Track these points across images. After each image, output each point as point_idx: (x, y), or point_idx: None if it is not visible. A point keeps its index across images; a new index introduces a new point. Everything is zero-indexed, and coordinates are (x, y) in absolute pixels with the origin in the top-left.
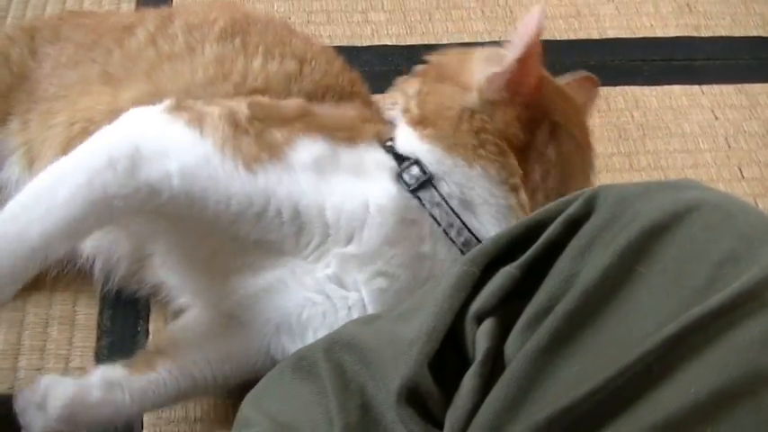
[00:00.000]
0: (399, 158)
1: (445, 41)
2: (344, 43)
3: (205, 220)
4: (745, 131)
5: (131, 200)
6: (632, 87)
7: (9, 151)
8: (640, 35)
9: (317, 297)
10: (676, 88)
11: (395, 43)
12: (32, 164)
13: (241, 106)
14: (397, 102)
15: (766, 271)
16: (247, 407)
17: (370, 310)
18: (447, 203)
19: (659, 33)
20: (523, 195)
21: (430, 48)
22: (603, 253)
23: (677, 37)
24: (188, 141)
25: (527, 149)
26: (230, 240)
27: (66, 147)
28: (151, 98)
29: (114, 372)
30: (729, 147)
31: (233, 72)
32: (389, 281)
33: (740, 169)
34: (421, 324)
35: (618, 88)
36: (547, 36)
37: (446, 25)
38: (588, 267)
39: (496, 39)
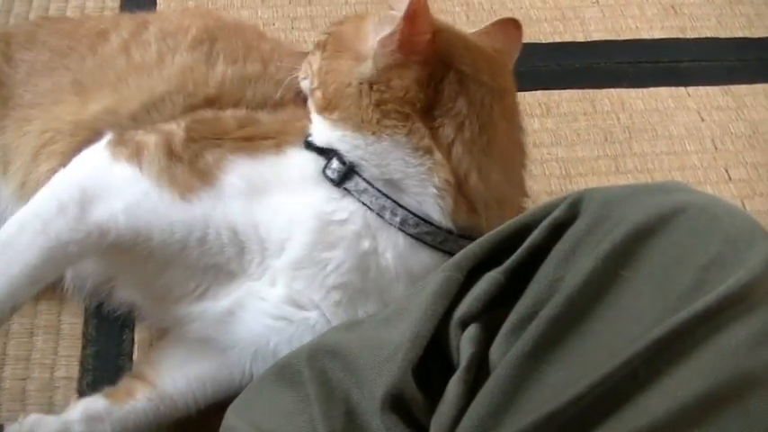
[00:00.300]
0: (322, 152)
1: None
2: None
3: (155, 251)
4: (731, 133)
5: (84, 244)
6: (618, 90)
7: None
8: (626, 37)
9: (278, 323)
10: (662, 90)
11: None
12: (7, 169)
13: (179, 129)
14: (307, 75)
15: (752, 274)
16: (232, 415)
17: (335, 323)
18: (373, 186)
19: (644, 35)
20: (438, 154)
21: None
22: (588, 257)
23: (663, 39)
24: (128, 179)
25: (434, 107)
26: (183, 268)
27: (36, 154)
28: (111, 115)
29: (95, 404)
30: (716, 148)
31: (189, 82)
32: (342, 291)
33: (727, 171)
34: (405, 330)
35: (604, 91)
36: (532, 39)
37: None
38: (573, 272)
39: None
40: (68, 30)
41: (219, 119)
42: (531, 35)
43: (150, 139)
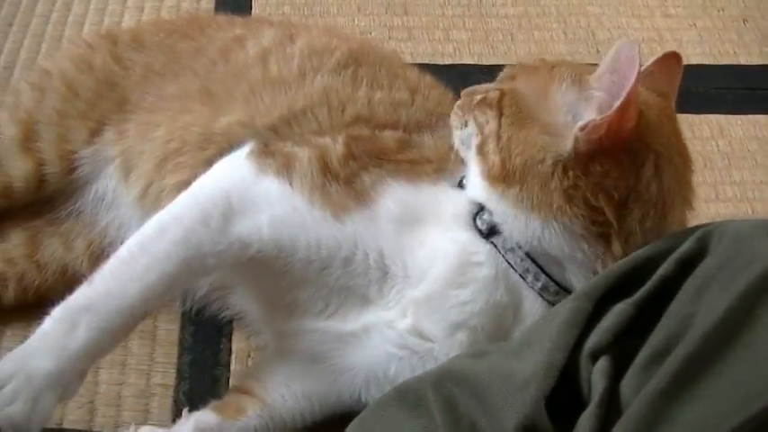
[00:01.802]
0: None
1: None
2: (426, 61)
3: (293, 267)
4: None
5: (224, 255)
6: (716, 116)
7: (105, 161)
8: (723, 62)
9: (401, 352)
10: (761, 118)
11: (477, 62)
12: (128, 175)
13: (336, 144)
14: (467, 125)
15: None
16: None
17: None
18: (521, 249)
19: (743, 61)
20: (617, 245)
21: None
22: (722, 295)
23: (761, 65)
24: (277, 193)
25: (630, 194)
26: (317, 287)
27: (161, 164)
28: (245, 128)
29: (206, 418)
30: None
31: (335, 100)
32: (468, 332)
33: None
34: (536, 360)
35: (702, 116)
36: None
37: (528, 46)
38: (706, 309)
39: (579, 60)
40: (191, 30)
41: (378, 138)
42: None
43: (302, 152)
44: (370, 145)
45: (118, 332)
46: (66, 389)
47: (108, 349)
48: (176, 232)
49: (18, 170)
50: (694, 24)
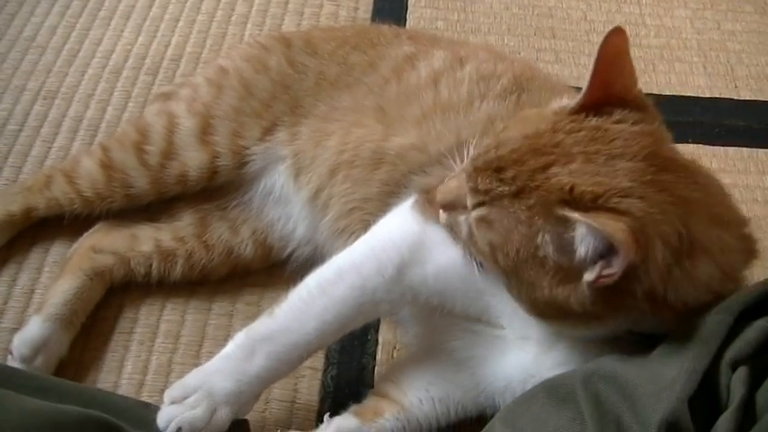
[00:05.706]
0: None
1: (667, 93)
2: (572, 84)
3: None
4: None
5: (396, 302)
6: None
7: (276, 160)
8: None
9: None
10: None
11: None
12: (298, 176)
13: None
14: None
15: None
16: (500, 421)
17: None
18: None
19: None
20: (663, 310)
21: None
22: None
23: None
24: (440, 240)
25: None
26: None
27: (333, 171)
28: (418, 152)
29: (346, 422)
30: None
31: (491, 131)
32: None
33: None
34: (681, 365)
35: None
36: None
37: (668, 77)
38: None
39: (717, 95)
40: (363, 43)
41: None
42: None
43: None
44: None
45: (292, 362)
46: (241, 406)
47: (281, 376)
48: (354, 279)
49: (194, 160)
50: None
